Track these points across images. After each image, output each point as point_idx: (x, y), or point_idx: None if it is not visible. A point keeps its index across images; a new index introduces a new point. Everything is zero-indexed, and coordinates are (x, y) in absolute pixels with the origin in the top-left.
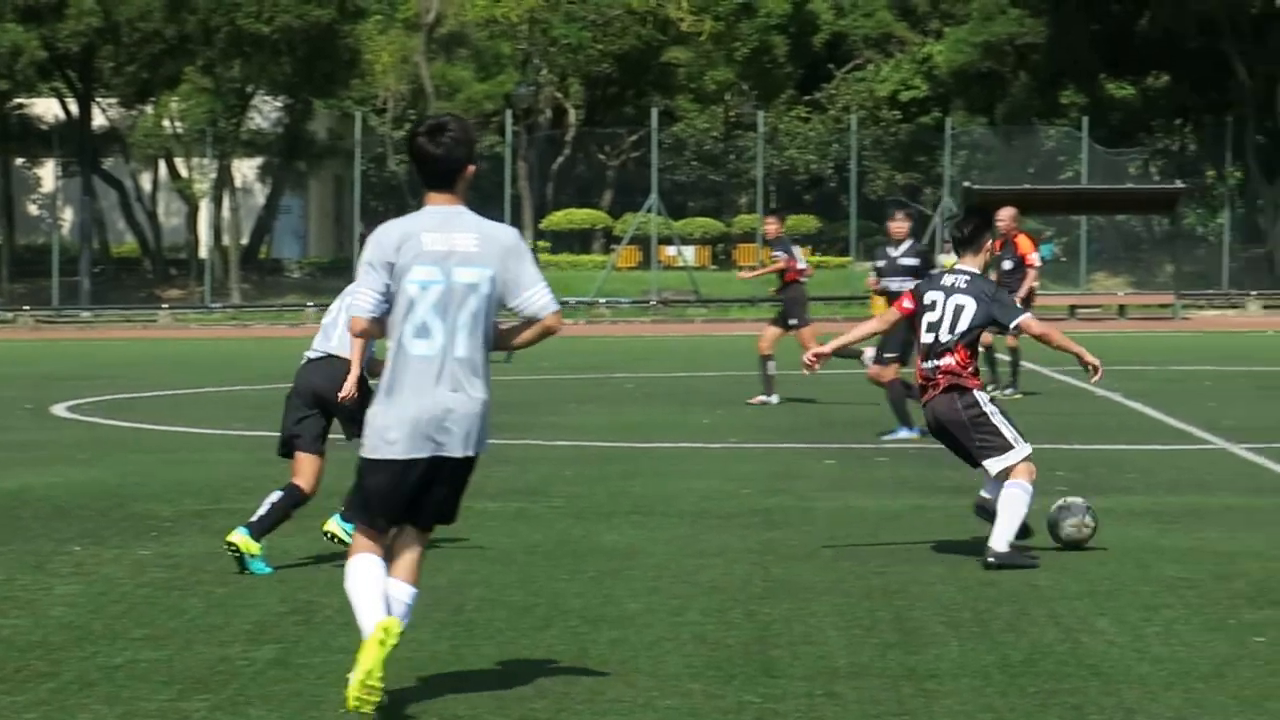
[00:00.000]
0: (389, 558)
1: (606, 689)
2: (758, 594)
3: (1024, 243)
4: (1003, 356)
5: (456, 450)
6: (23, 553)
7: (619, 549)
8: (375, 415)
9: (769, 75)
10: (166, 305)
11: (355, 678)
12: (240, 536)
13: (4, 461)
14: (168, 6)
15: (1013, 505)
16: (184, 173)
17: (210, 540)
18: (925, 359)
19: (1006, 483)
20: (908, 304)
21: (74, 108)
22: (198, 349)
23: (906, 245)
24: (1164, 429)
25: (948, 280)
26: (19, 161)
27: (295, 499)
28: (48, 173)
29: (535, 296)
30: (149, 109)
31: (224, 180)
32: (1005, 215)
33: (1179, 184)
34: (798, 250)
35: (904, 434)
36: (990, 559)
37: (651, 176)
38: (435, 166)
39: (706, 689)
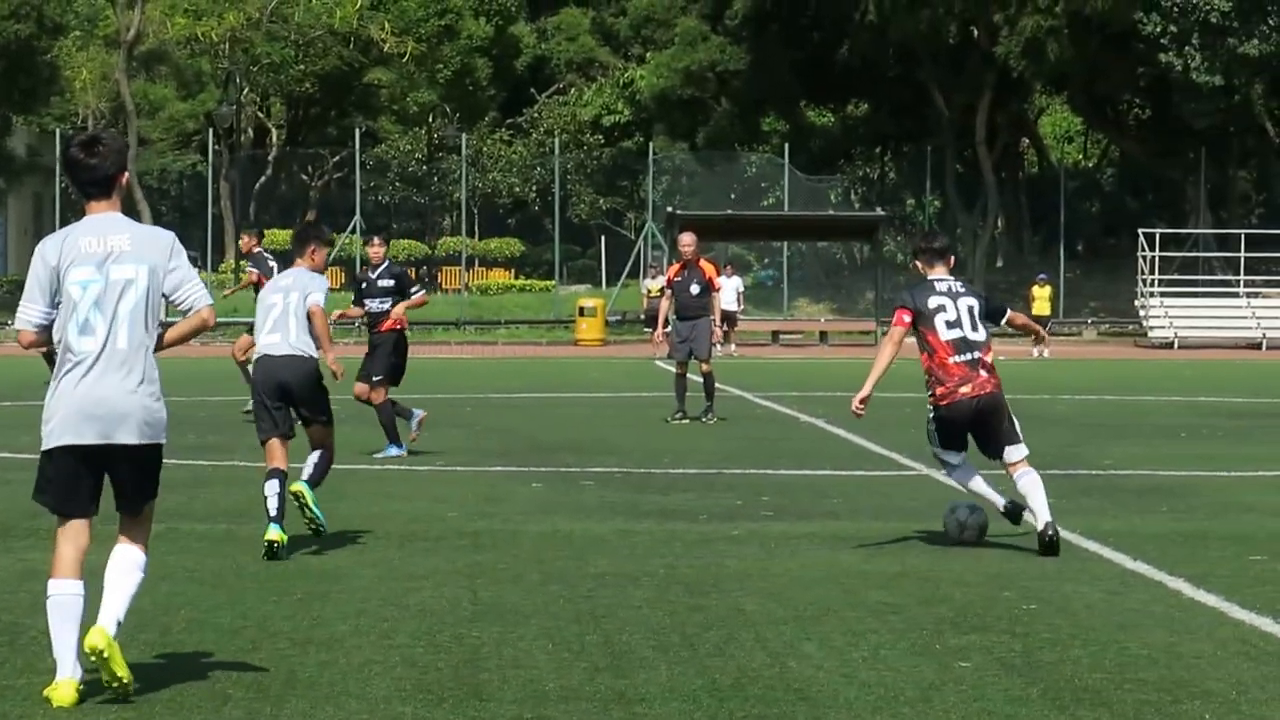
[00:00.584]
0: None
1: (316, 712)
2: (466, 617)
3: (708, 267)
4: (698, 379)
5: (129, 438)
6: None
7: (327, 571)
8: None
9: (472, 98)
10: None
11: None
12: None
13: None
14: None
15: (1040, 484)
16: None
17: None
18: (957, 353)
19: (1025, 470)
20: (906, 318)
21: None
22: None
23: (383, 267)
24: (867, 455)
25: (942, 286)
26: None
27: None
28: None
29: (192, 290)
30: None
31: None
32: (687, 240)
33: (879, 211)
34: (275, 265)
35: (394, 452)
36: (1050, 531)
37: (355, 197)
38: (92, 175)
39: (416, 712)
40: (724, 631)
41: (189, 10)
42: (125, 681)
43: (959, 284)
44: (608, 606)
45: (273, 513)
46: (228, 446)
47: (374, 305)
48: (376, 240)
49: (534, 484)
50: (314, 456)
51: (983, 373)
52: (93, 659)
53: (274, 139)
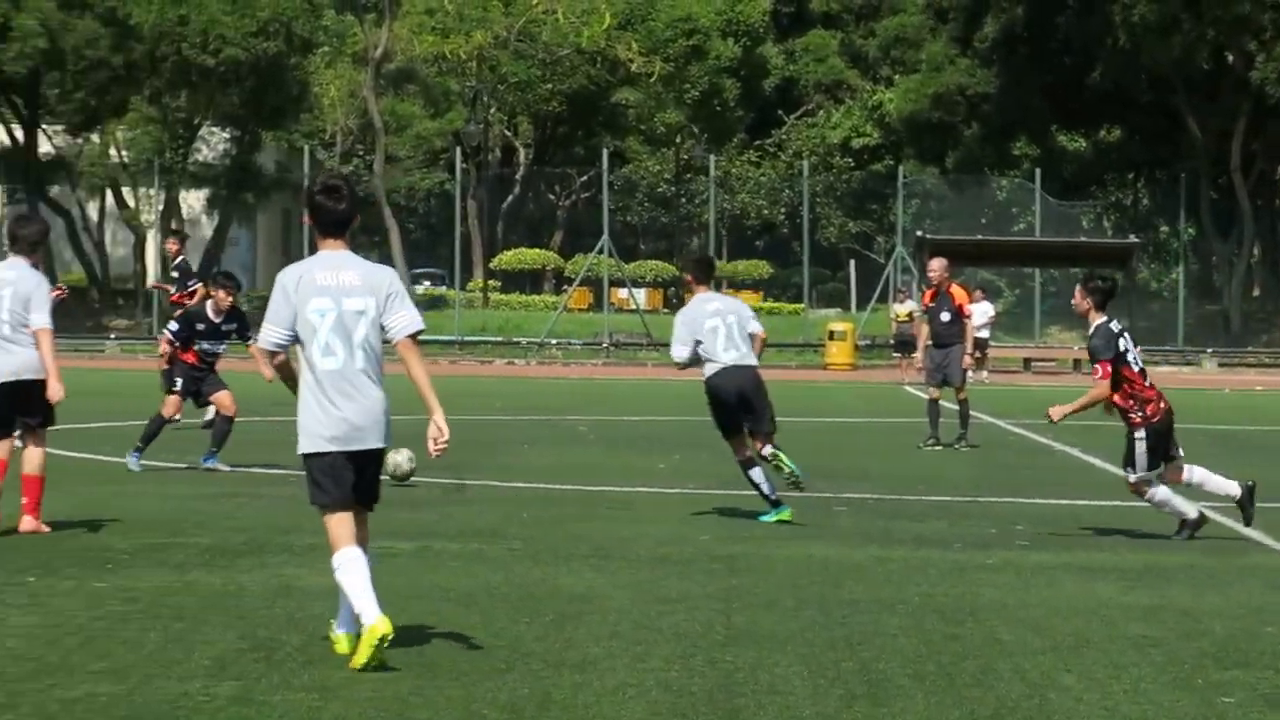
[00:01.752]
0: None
1: None
2: (720, 641)
3: (959, 293)
4: (951, 406)
5: (373, 443)
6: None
7: (578, 593)
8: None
9: (719, 119)
10: (114, 335)
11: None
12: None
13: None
14: (114, 34)
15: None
16: (131, 203)
17: (168, 574)
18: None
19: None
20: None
21: (19, 134)
22: (146, 380)
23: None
24: (1121, 485)
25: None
26: None
27: None
28: None
29: (399, 320)
30: (95, 137)
31: (171, 211)
32: (936, 266)
33: (1133, 238)
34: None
35: (214, 464)
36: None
37: (602, 218)
38: (333, 216)
39: None
40: (981, 661)
41: (436, 28)
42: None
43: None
44: (863, 633)
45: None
46: (477, 465)
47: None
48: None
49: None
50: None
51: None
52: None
53: (521, 158)
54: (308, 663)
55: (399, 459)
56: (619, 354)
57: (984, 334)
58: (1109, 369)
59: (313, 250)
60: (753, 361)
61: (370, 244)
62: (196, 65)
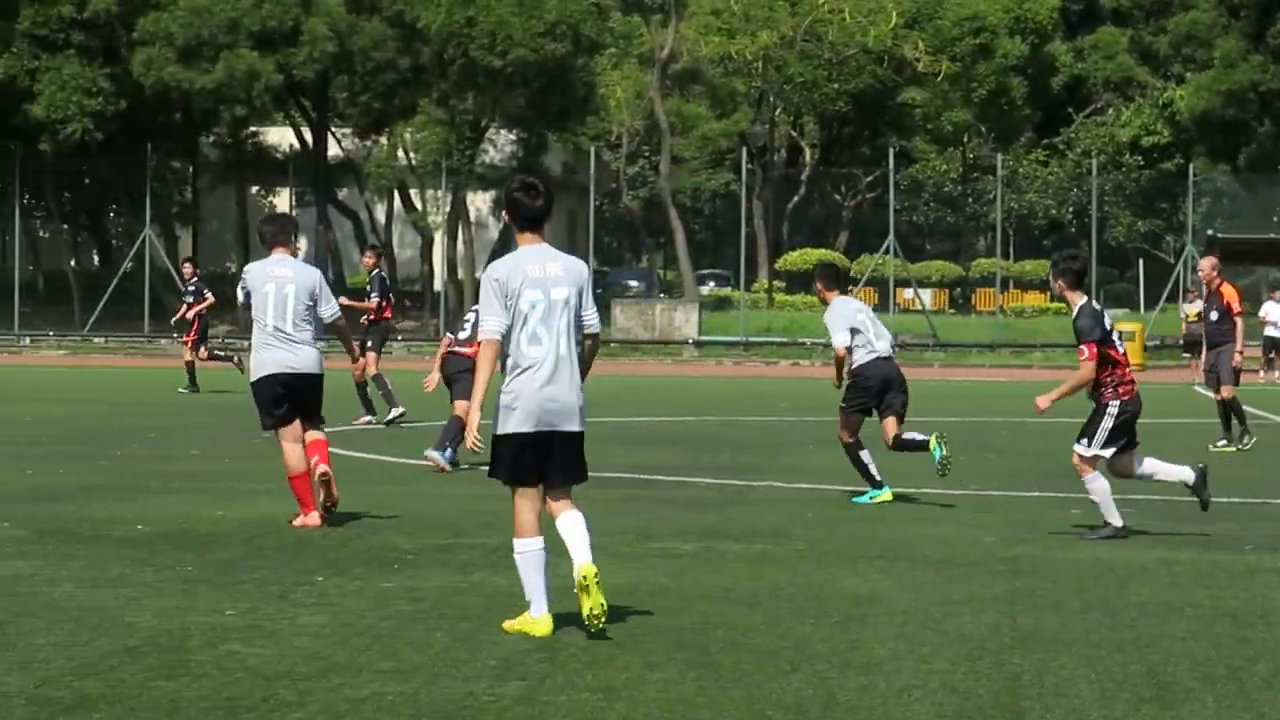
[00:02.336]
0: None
1: None
2: (1007, 643)
3: (1229, 292)
4: (1248, 408)
5: (570, 426)
6: (266, 582)
7: (864, 594)
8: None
9: (1007, 118)
10: (401, 337)
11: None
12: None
13: (245, 492)
14: (402, 37)
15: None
16: (418, 205)
17: (452, 574)
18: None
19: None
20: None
21: (309, 137)
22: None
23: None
24: None
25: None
26: (254, 190)
27: None
28: (283, 202)
29: (592, 314)
30: (383, 140)
31: (458, 213)
32: (1205, 265)
33: None
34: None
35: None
36: None
37: (888, 218)
38: (531, 213)
39: None
40: (1272, 664)
41: (723, 29)
42: (604, 608)
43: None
44: (1150, 636)
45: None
46: (761, 466)
47: None
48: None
49: (1072, 510)
50: None
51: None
52: (584, 583)
53: (807, 158)
54: (592, 663)
55: None
56: (904, 355)
57: (1275, 333)
58: (1095, 350)
59: (605, 253)
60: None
61: (656, 245)
62: (484, 67)
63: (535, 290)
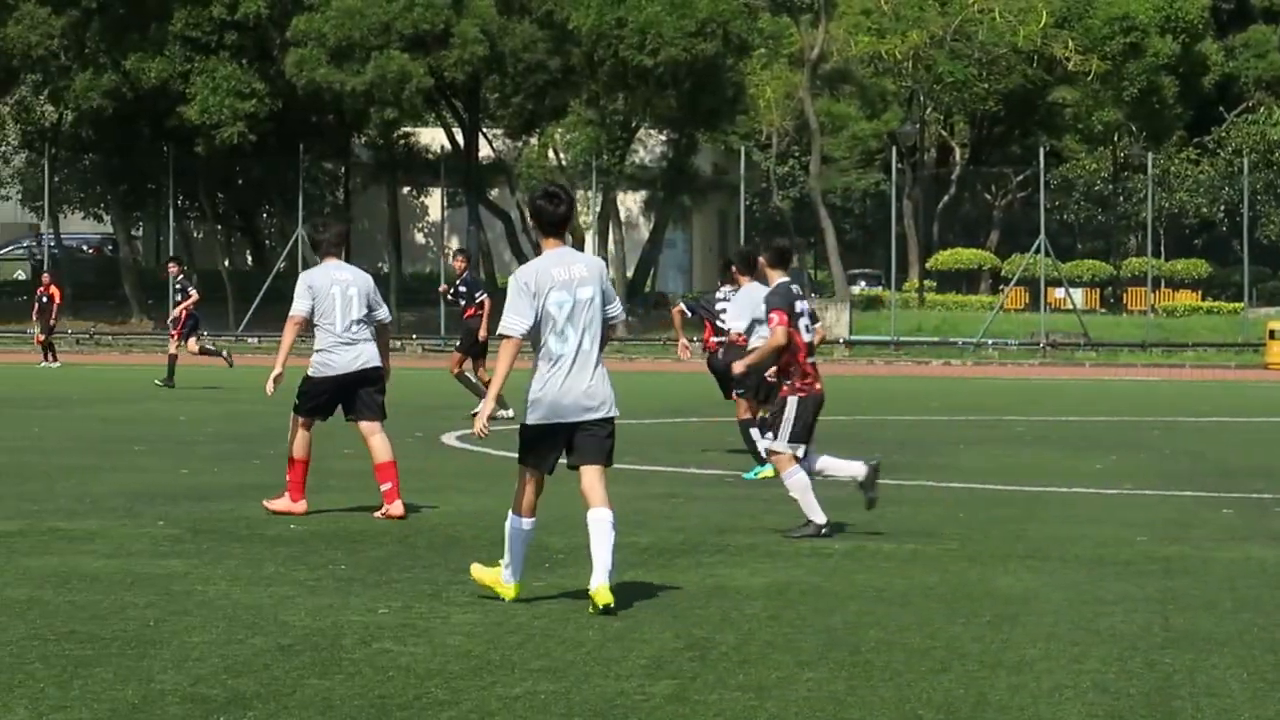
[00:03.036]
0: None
1: None
2: (1158, 643)
3: None
4: None
5: (596, 414)
6: (419, 581)
7: (1015, 594)
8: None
9: (1158, 117)
10: None
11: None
12: None
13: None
14: (552, 38)
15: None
16: None
17: None
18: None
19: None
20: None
21: (460, 137)
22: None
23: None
24: None
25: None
26: (405, 190)
27: None
28: (434, 202)
29: (616, 307)
30: (534, 140)
31: (609, 213)
32: None
33: None
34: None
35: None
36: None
37: (1038, 217)
38: (553, 218)
39: None
40: None
41: (873, 29)
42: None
43: None
44: None
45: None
46: (912, 466)
47: None
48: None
49: (1224, 510)
50: None
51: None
52: (593, 602)
53: (957, 157)
54: (743, 662)
55: None
56: (1055, 354)
57: None
58: (785, 318)
59: (655, 249)
60: None
61: (806, 244)
62: (634, 67)
63: (562, 292)
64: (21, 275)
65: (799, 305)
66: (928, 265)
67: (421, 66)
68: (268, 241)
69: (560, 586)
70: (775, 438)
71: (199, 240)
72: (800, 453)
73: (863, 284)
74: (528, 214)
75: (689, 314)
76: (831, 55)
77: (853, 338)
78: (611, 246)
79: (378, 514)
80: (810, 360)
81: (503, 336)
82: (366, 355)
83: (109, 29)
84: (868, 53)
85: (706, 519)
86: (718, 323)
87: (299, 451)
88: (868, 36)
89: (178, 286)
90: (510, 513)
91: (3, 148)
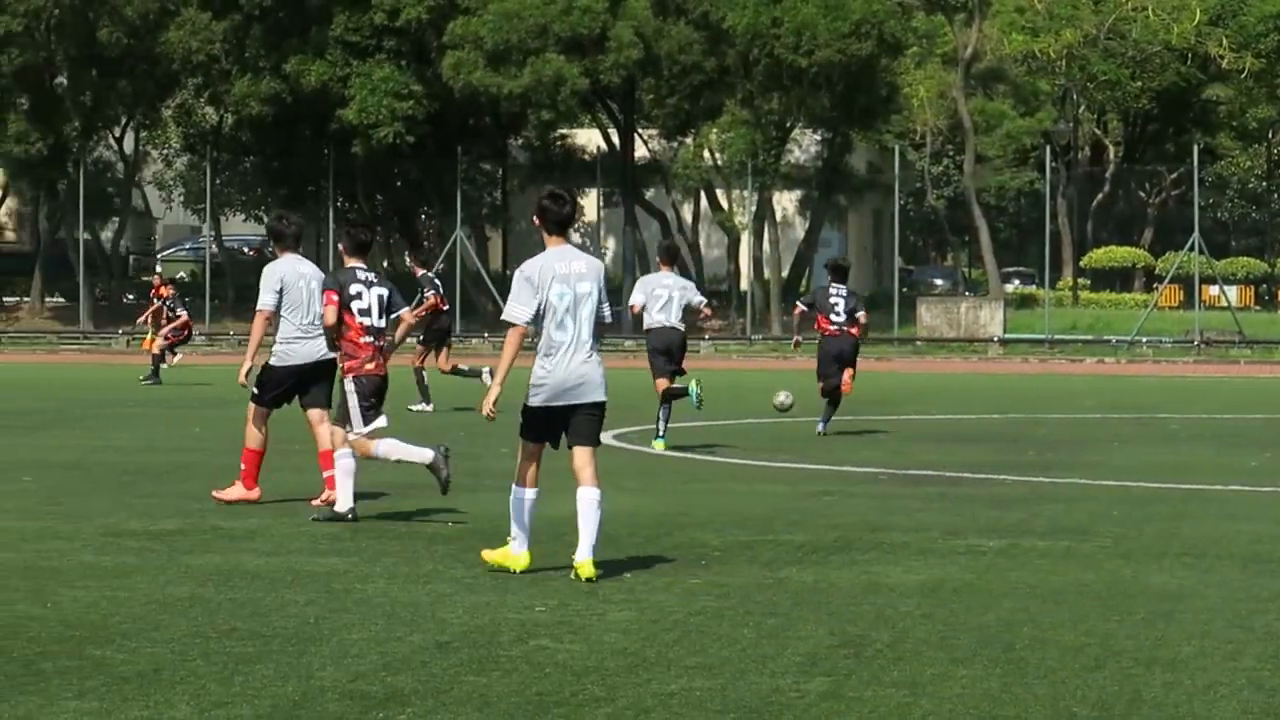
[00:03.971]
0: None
1: None
2: None
3: None
4: None
5: (592, 397)
6: (577, 579)
7: (1170, 591)
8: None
9: None
10: (708, 336)
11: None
12: None
13: (554, 489)
14: (707, 40)
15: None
16: (725, 204)
17: (759, 571)
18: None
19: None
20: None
21: (616, 138)
22: (738, 380)
23: None
24: None
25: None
26: None
27: None
28: (590, 203)
29: (608, 307)
30: (690, 140)
31: (764, 213)
32: None
33: None
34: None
35: None
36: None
37: (1193, 215)
38: (558, 217)
39: None
40: None
41: (1026, 27)
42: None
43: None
44: None
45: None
46: (1066, 463)
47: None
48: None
49: None
50: None
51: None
52: (575, 576)
53: (1111, 155)
54: (898, 659)
55: (781, 397)
56: (1210, 352)
57: None
58: (335, 299)
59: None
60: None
61: (960, 243)
62: (789, 67)
63: (563, 285)
64: (184, 276)
65: (354, 288)
66: (1082, 263)
67: (578, 69)
68: (426, 243)
69: (716, 584)
70: (353, 427)
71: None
72: (374, 428)
73: (1016, 282)
74: (534, 213)
75: (806, 309)
76: (985, 54)
77: (1006, 336)
78: (766, 246)
79: (317, 500)
80: (368, 340)
81: (508, 325)
82: (323, 347)
83: (269, 34)
84: (1021, 51)
85: (861, 516)
86: (831, 315)
87: (253, 441)
88: (1021, 35)
89: (169, 304)
90: (514, 485)
91: (165, 151)
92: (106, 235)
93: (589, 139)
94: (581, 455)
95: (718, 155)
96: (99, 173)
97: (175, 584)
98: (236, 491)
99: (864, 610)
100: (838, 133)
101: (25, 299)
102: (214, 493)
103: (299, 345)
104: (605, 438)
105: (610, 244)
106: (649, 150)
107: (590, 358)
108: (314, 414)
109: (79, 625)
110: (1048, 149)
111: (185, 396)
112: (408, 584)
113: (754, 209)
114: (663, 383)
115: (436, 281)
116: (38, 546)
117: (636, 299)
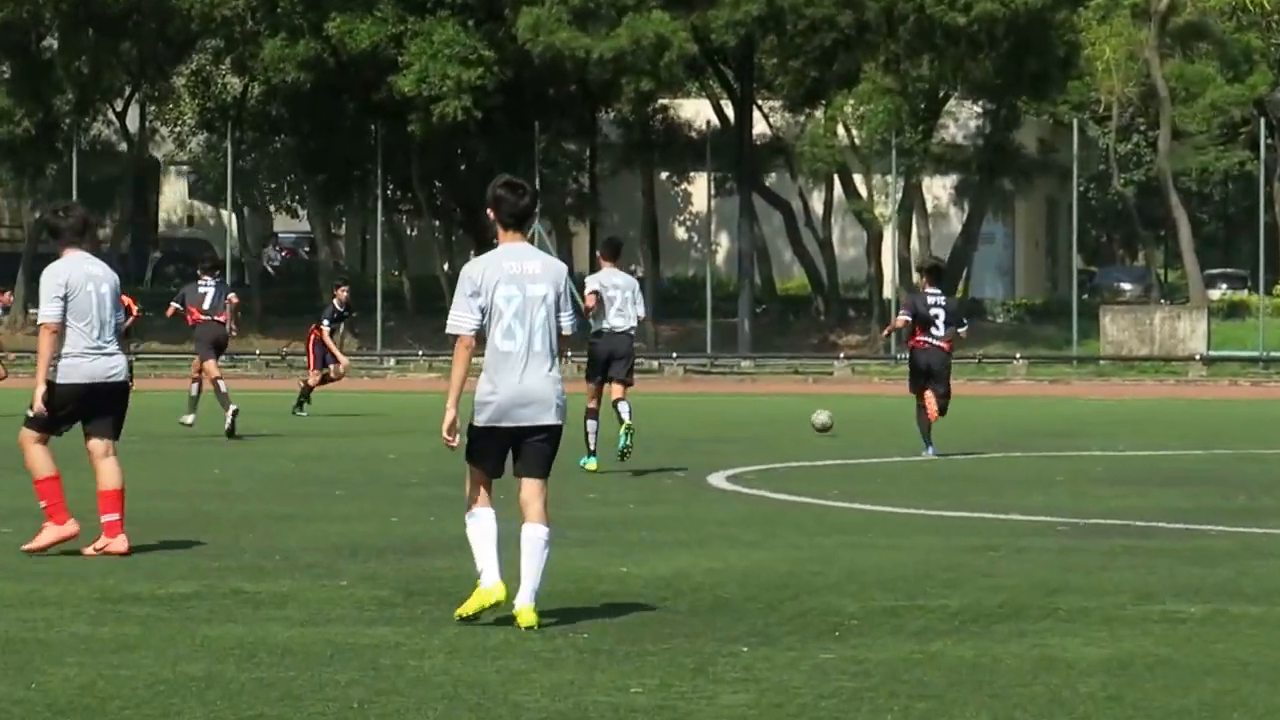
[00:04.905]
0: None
1: None
2: None
3: None
4: None
5: (546, 419)
6: (679, 653)
7: None
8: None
9: None
10: (844, 355)
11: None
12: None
13: (655, 543)
14: None
15: None
16: (863, 192)
17: (906, 643)
18: None
19: None
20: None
21: (730, 112)
22: (880, 408)
23: None
24: None
25: None
26: (664, 176)
27: None
28: (699, 190)
29: (569, 318)
30: (819, 114)
31: (911, 202)
32: None
33: None
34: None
35: None
36: None
37: None
38: (514, 210)
39: None
40: None
41: None
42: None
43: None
44: None
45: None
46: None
47: None
48: None
49: None
50: None
51: None
52: (517, 623)
53: None
54: None
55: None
56: None
57: None
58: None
59: (1093, 250)
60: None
61: (1154, 238)
62: (942, 24)
63: (511, 286)
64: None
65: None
66: None
67: (683, 28)
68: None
69: (854, 659)
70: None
71: (412, 239)
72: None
73: (1224, 287)
74: (487, 204)
75: (909, 319)
76: (1184, 6)
77: (1211, 353)
78: (915, 243)
79: (91, 549)
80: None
81: (452, 336)
82: (119, 366)
83: None
84: (1228, 3)
85: (1032, 576)
86: (932, 327)
87: (44, 469)
88: None
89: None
90: (466, 515)
91: (177, 128)
92: (105, 232)
93: (696, 112)
94: (529, 488)
95: (854, 132)
96: (97, 155)
97: (188, 660)
98: (49, 534)
99: (1036, 692)
100: (1002, 103)
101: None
102: (24, 546)
103: (85, 362)
104: (716, 478)
105: (723, 240)
106: (770, 126)
107: (545, 373)
108: (96, 445)
109: (71, 711)
110: (1262, 122)
111: (203, 430)
112: (473, 659)
113: (899, 198)
114: (593, 392)
115: None
116: (21, 614)
117: (591, 297)
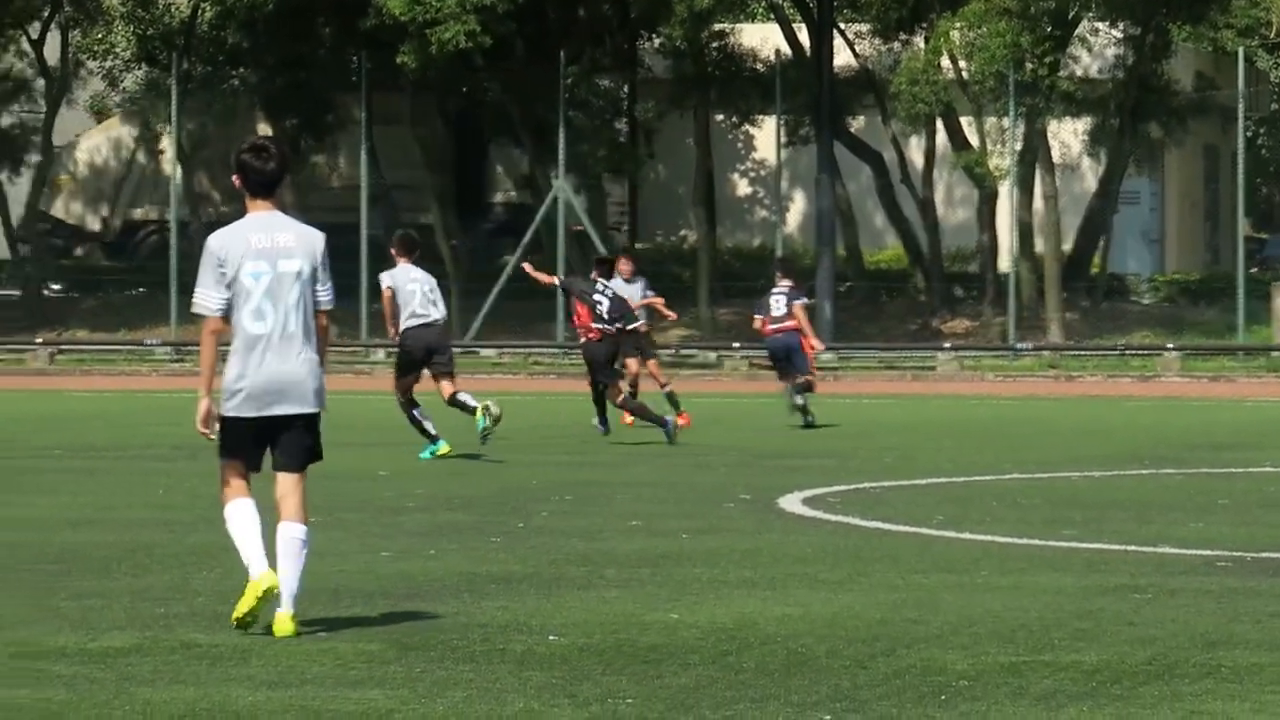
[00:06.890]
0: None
1: None
2: None
3: None
4: None
5: (299, 407)
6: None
7: None
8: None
9: None
10: (949, 344)
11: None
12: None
13: (714, 583)
14: None
15: None
16: (973, 141)
17: (1030, 709)
18: None
19: None
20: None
21: (805, 39)
22: (997, 414)
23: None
24: None
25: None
26: (721, 119)
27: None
28: (766, 137)
29: (326, 291)
30: (919, 42)
31: (1035, 153)
32: None
33: None
34: None
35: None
36: None
37: None
38: (261, 177)
39: None
40: None
41: None
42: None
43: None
44: None
45: None
46: None
47: None
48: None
49: None
50: None
51: None
52: (275, 631)
53: None
54: None
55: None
56: None
57: None
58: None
59: (1263, 210)
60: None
61: None
62: None
63: (260, 261)
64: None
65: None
66: None
67: None
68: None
69: None
70: None
71: (405, 194)
72: None
73: None
74: (233, 171)
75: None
76: None
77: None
78: (1039, 202)
79: None
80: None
81: (197, 316)
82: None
83: None
84: None
85: (1188, 625)
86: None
87: None
88: None
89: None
90: (224, 510)
91: (110, 61)
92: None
93: (764, 39)
94: (285, 482)
95: (962, 64)
96: (6, 94)
97: None
98: None
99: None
100: (1149, 28)
101: None
102: None
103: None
104: (790, 501)
105: (797, 199)
106: (856, 57)
107: (300, 356)
108: None
109: None
110: None
111: (144, 439)
112: None
113: (1019, 147)
114: (407, 386)
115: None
116: None
117: (386, 290)
